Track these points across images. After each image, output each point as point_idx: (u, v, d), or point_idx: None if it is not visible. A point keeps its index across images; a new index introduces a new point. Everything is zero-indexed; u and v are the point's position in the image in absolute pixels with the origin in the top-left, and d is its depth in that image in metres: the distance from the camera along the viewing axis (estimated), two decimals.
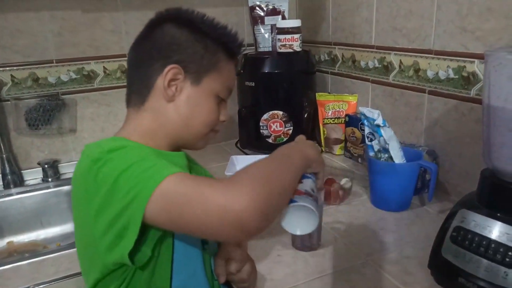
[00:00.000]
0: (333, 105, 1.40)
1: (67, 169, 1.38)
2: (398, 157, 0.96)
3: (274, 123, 1.40)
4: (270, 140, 1.42)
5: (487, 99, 0.67)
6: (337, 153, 1.42)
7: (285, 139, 1.42)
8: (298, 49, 1.37)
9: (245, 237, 0.49)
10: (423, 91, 1.11)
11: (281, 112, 1.39)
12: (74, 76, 1.34)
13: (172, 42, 0.65)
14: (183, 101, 0.66)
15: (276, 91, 1.39)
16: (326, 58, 1.49)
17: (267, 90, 1.38)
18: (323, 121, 1.43)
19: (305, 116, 1.44)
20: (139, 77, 0.67)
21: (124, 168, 0.53)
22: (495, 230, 0.67)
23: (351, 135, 1.34)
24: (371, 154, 1.02)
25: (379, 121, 0.95)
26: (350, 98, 1.37)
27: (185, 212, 0.50)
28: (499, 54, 0.64)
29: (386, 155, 0.98)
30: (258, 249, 0.89)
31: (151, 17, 0.67)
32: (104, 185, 0.53)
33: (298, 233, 0.63)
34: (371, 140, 1.01)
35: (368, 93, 1.31)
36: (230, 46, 0.69)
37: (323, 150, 1.47)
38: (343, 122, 1.39)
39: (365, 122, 1.02)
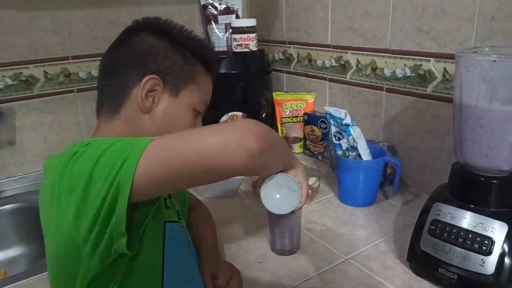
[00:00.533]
0: (290, 104, 1.41)
1: (7, 186, 1.24)
2: (365, 154, 0.99)
3: None
4: None
5: (459, 98, 0.71)
6: (296, 151, 1.43)
7: None
8: (254, 49, 1.36)
9: (250, 159, 0.47)
10: (380, 88, 1.15)
11: (240, 113, 1.36)
12: (10, 82, 1.20)
13: (150, 51, 0.61)
14: (160, 112, 0.63)
15: (233, 92, 1.36)
16: (281, 57, 1.49)
17: (224, 91, 1.35)
18: (281, 120, 1.44)
19: (263, 115, 1.44)
20: (113, 85, 0.62)
21: (104, 148, 0.48)
22: (470, 221, 0.71)
23: (310, 133, 1.36)
24: (339, 152, 1.04)
25: (348, 120, 0.97)
26: (308, 96, 1.39)
27: (184, 147, 0.48)
28: (470, 55, 0.68)
29: (354, 153, 1.01)
30: (239, 258, 0.87)
31: (128, 25, 0.63)
32: (84, 170, 0.47)
33: (279, 212, 0.62)
34: (338, 139, 1.02)
35: (326, 92, 1.34)
36: (207, 59, 0.67)
37: None
38: (301, 120, 1.40)
39: (331, 121, 1.04)
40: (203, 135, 0.50)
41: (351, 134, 0.97)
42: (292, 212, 0.71)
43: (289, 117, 1.42)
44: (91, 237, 0.47)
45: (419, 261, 0.77)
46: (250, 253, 0.88)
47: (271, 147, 0.53)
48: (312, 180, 1.09)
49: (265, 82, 1.46)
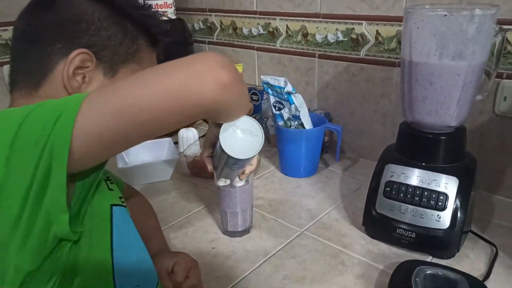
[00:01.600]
0: None
1: None
2: (308, 123, 0.96)
3: None
4: None
5: (408, 56, 0.69)
6: None
7: None
8: (173, 17, 1.24)
9: (222, 90, 0.42)
10: (312, 55, 1.12)
11: None
12: None
13: (82, 19, 0.49)
14: None
15: None
16: (202, 26, 1.39)
17: None
18: None
19: None
20: (32, 56, 0.48)
21: (27, 113, 0.37)
22: (423, 178, 0.72)
23: None
24: (280, 123, 0.99)
25: (289, 88, 0.92)
26: None
27: (140, 86, 0.40)
28: (421, 11, 0.67)
29: (296, 123, 0.97)
30: (188, 246, 0.78)
31: None
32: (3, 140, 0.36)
33: (241, 157, 0.56)
34: (279, 109, 0.98)
35: (254, 61, 1.28)
36: (154, 32, 0.56)
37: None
38: None
39: (269, 91, 0.98)
40: (164, 70, 0.42)
41: (294, 103, 0.93)
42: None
43: None
44: (21, 223, 0.36)
45: (375, 224, 0.77)
46: (200, 239, 0.80)
47: (240, 81, 0.47)
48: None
49: (187, 54, 1.35)
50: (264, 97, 1.23)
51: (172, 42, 1.26)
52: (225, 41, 1.34)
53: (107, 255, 0.50)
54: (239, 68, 1.31)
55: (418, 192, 0.71)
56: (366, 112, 1.06)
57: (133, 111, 0.39)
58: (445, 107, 0.69)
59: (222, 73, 0.42)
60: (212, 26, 1.36)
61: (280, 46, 1.19)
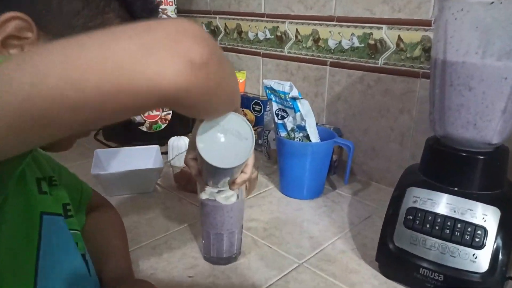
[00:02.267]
0: None
1: None
2: (314, 135, 0.83)
3: None
4: (144, 128, 1.15)
5: (442, 54, 0.57)
6: None
7: (163, 126, 1.16)
8: (173, 16, 1.13)
9: (189, 70, 0.29)
10: (324, 63, 1.00)
11: None
12: None
13: None
14: None
15: None
16: (205, 30, 1.28)
17: None
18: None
19: None
20: None
21: None
22: (456, 207, 0.58)
23: None
24: (283, 134, 0.86)
25: (295, 93, 0.79)
26: (237, 75, 1.19)
27: (75, 59, 0.27)
28: None
29: (301, 134, 0.84)
30: (160, 273, 0.64)
31: None
32: None
33: (222, 166, 0.43)
34: (282, 118, 0.85)
35: (259, 69, 1.16)
36: (132, 4, 0.44)
37: None
38: None
39: (272, 97, 0.86)
40: (110, 37, 0.29)
41: (299, 110, 0.80)
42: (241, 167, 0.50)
43: None
44: None
45: (392, 261, 0.62)
46: (175, 264, 0.66)
47: (221, 60, 0.33)
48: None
49: None
50: (267, 109, 1.11)
51: None
52: (229, 46, 1.23)
53: (29, 275, 0.36)
54: (242, 76, 1.19)
55: (448, 224, 0.57)
56: (381, 129, 0.93)
57: (54, 95, 0.26)
58: (486, 119, 0.56)
59: (193, 46, 0.30)
60: (216, 29, 1.25)
61: (288, 52, 1.07)
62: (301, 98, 0.80)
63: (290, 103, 0.81)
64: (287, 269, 0.66)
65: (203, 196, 0.63)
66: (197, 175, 0.57)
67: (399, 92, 0.88)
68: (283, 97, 0.82)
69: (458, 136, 0.59)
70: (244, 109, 1.16)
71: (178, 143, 1.03)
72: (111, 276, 0.53)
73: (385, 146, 0.94)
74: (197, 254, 0.69)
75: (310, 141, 0.83)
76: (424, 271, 0.58)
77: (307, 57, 1.03)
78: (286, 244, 0.72)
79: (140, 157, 0.96)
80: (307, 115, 0.80)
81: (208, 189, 0.63)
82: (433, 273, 0.57)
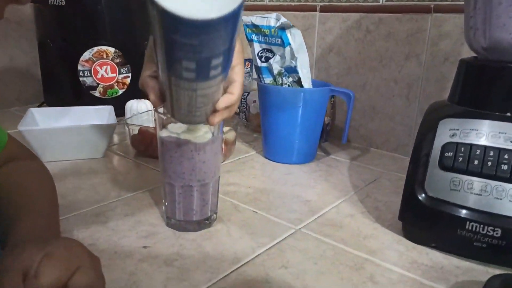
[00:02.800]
0: None
1: None
2: (307, 79, 0.66)
3: (101, 66, 0.93)
4: (96, 94, 0.95)
5: None
6: None
7: (120, 92, 0.97)
8: None
9: None
10: (312, 8, 0.85)
11: (112, 50, 0.93)
12: None
13: None
14: None
15: (102, 16, 0.92)
16: None
17: (87, 13, 0.91)
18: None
19: None
20: None
21: None
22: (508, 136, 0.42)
23: None
24: (268, 80, 0.69)
25: (283, 21, 0.63)
26: None
27: None
28: None
29: (290, 79, 0.67)
30: (103, 243, 0.45)
31: None
32: None
33: (194, 16, 0.25)
34: (266, 60, 0.68)
35: None
36: None
37: None
38: None
39: (253, 37, 0.69)
40: None
41: (289, 43, 0.63)
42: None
43: None
44: None
45: (424, 217, 0.46)
46: (125, 234, 0.47)
47: None
48: (226, 130, 0.72)
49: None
50: (245, 69, 0.94)
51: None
52: None
53: None
54: None
55: (506, 157, 0.41)
56: (383, 82, 0.78)
57: None
58: None
59: None
60: None
61: (270, 1, 0.92)
62: (292, 26, 0.63)
63: (277, 38, 0.64)
64: (280, 236, 0.48)
65: (164, 132, 0.45)
66: (158, 99, 0.40)
67: (405, 35, 0.74)
68: (267, 33, 0.66)
69: (509, 43, 0.43)
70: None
71: (138, 106, 0.84)
72: (25, 236, 0.35)
73: (388, 103, 0.79)
74: (157, 220, 0.50)
75: (302, 86, 0.66)
76: (471, 226, 0.42)
77: (293, 3, 0.88)
78: (276, 208, 0.55)
79: (88, 118, 0.77)
80: (299, 50, 0.64)
81: (172, 125, 0.45)
82: (485, 227, 0.41)
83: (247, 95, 0.89)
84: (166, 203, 0.48)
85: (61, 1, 0.87)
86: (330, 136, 0.86)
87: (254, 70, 0.76)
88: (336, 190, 0.62)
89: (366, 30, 0.78)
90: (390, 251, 0.46)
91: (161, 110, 0.45)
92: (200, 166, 0.46)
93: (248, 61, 0.95)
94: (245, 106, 0.90)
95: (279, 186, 0.62)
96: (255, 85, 0.91)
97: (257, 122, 0.88)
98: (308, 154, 0.73)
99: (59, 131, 0.66)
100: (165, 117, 0.45)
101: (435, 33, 0.71)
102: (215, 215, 0.50)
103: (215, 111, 0.39)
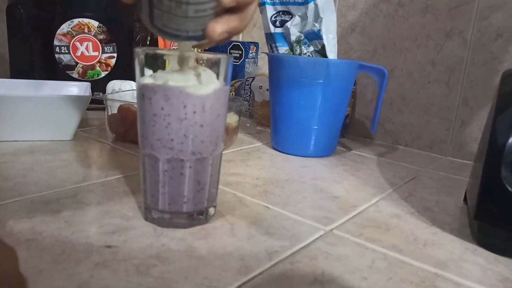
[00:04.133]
0: None
1: None
2: (333, 46, 0.53)
3: (82, 42, 0.80)
4: (74, 74, 0.81)
5: None
6: None
7: (103, 74, 0.83)
8: None
9: None
10: None
11: (95, 23, 0.80)
12: None
13: None
14: None
15: None
16: None
17: None
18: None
19: (137, 40, 0.90)
20: None
21: None
22: None
23: None
24: (283, 49, 0.56)
25: None
26: None
27: None
28: None
29: (311, 48, 0.54)
30: (45, 238, 0.30)
31: None
32: None
33: None
34: (282, 24, 0.55)
35: None
36: None
37: None
38: (199, 50, 0.90)
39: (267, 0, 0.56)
40: None
41: (313, 0, 0.50)
42: None
43: None
44: None
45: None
46: (83, 227, 0.32)
47: None
48: (229, 116, 0.58)
49: None
50: (250, 54, 0.81)
51: None
52: None
53: None
54: None
55: None
56: (416, 66, 0.66)
57: None
58: None
59: None
60: None
61: None
62: None
63: None
64: (306, 238, 0.34)
65: (146, 79, 0.31)
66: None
67: (447, 7, 0.61)
68: None
69: None
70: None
71: (122, 85, 0.70)
72: None
73: (422, 91, 0.66)
74: (131, 212, 0.36)
75: (325, 57, 0.53)
76: None
77: None
78: (295, 204, 0.41)
79: (60, 93, 0.63)
80: (326, 8, 0.51)
81: (159, 72, 0.32)
82: None
83: (252, 80, 0.76)
84: (145, 187, 0.34)
85: None
86: (348, 130, 0.73)
87: (267, 30, 0.63)
88: (368, 186, 0.48)
89: (397, 3, 0.66)
90: (466, 264, 0.32)
91: (141, 49, 0.32)
92: (196, 131, 0.31)
93: (254, 44, 0.83)
94: (249, 93, 0.76)
95: (295, 179, 0.48)
96: (261, 70, 0.78)
97: (263, 112, 0.75)
98: (328, 146, 0.59)
99: (16, 100, 0.51)
100: (150, 52, 0.31)
101: (484, 5, 0.58)
102: (213, 208, 0.36)
103: (218, 9, 0.27)
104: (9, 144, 0.52)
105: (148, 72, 0.32)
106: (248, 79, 0.76)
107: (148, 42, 0.92)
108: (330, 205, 0.41)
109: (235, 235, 0.33)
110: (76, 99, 0.54)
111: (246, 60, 0.82)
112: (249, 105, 0.77)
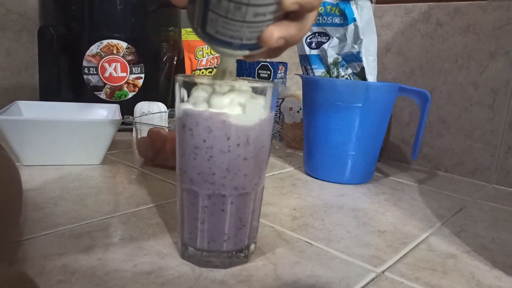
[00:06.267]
0: (209, 48, 0.89)
1: None
2: (373, 69, 0.51)
3: (110, 63, 0.79)
4: (102, 95, 0.80)
5: None
6: None
7: (130, 95, 0.82)
8: None
9: None
10: None
11: (124, 44, 0.80)
12: None
13: None
14: None
15: (114, 4, 0.79)
16: None
17: (95, 4, 0.78)
18: (194, 73, 0.90)
19: (164, 68, 0.89)
20: None
21: None
22: None
23: None
24: (319, 72, 0.53)
25: None
26: None
27: None
28: None
29: (349, 71, 0.51)
30: (78, 280, 0.28)
31: None
32: None
33: None
34: (318, 46, 0.53)
35: None
36: None
37: None
38: None
39: None
40: None
41: (354, 19, 0.48)
42: None
43: (206, 69, 0.90)
44: None
45: None
46: (117, 266, 0.30)
47: None
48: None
49: (170, 10, 0.93)
50: (279, 74, 0.79)
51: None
52: None
53: None
54: None
55: None
56: (458, 88, 0.62)
57: None
58: None
59: None
60: None
61: None
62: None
63: (335, 17, 0.49)
64: (357, 282, 0.31)
65: (187, 104, 0.29)
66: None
67: (491, 26, 0.58)
68: (321, 11, 0.51)
69: None
70: (245, 78, 0.84)
71: (150, 107, 0.69)
72: None
73: (464, 114, 0.62)
74: (167, 248, 0.33)
75: (365, 80, 0.51)
76: None
77: None
78: (339, 240, 0.38)
79: (88, 115, 0.62)
80: (366, 29, 0.48)
81: (198, 92, 0.29)
82: None
83: (281, 101, 0.74)
84: (182, 223, 0.32)
85: None
86: (383, 155, 0.69)
87: (301, 51, 0.61)
88: (414, 219, 0.44)
89: (436, 23, 0.63)
90: None
91: (182, 76, 0.30)
92: (240, 165, 0.29)
93: (282, 64, 0.81)
94: (278, 115, 0.74)
95: (335, 210, 0.45)
96: (290, 91, 0.76)
97: (292, 134, 0.72)
98: (365, 173, 0.56)
99: (46, 124, 0.50)
100: (187, 79, 0.29)
101: None
102: (253, 245, 0.33)
103: (278, 14, 0.25)
104: (37, 169, 0.51)
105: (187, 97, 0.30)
106: (278, 100, 0.74)
107: (175, 62, 0.91)
108: (377, 241, 0.38)
109: (280, 277, 0.30)
110: (106, 123, 0.53)
111: (275, 80, 0.80)
112: (279, 133, 0.74)
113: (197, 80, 0.30)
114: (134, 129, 0.59)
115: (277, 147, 0.73)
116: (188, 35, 0.89)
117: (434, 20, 0.63)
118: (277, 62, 0.80)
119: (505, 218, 0.47)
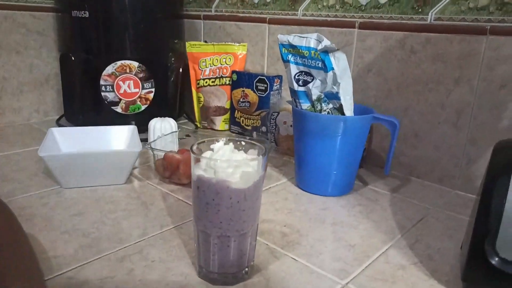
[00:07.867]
0: (211, 59, 0.98)
1: None
2: (349, 106, 0.61)
3: (124, 81, 0.89)
4: (118, 109, 0.91)
5: None
6: (220, 128, 1.01)
7: (143, 108, 0.93)
8: None
9: None
10: (350, 25, 0.79)
11: (136, 64, 0.89)
12: None
13: None
14: None
15: (126, 30, 0.88)
16: None
17: (111, 26, 0.87)
18: (198, 83, 1.00)
19: (171, 77, 0.98)
20: None
21: None
22: None
23: (241, 99, 0.95)
24: (305, 106, 0.64)
25: (326, 43, 0.57)
26: (236, 48, 0.97)
27: None
28: None
29: (330, 106, 0.62)
30: None
31: None
32: None
33: None
34: (304, 84, 0.62)
35: (264, 40, 0.94)
36: None
37: (199, 125, 1.03)
38: (228, 83, 0.98)
39: (290, 58, 0.63)
40: None
41: (332, 68, 0.58)
42: None
43: (209, 79, 0.99)
44: None
45: (497, 284, 0.40)
46: (156, 285, 0.42)
47: None
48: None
49: (176, 26, 1.01)
50: (275, 86, 0.89)
51: (156, 13, 0.92)
52: (227, 14, 1.01)
53: None
54: (242, 49, 0.97)
55: None
56: (428, 107, 0.72)
57: None
58: None
59: None
60: None
61: (303, 15, 0.86)
62: (338, 50, 0.58)
63: (318, 62, 0.59)
64: None
65: (200, 171, 0.40)
66: None
67: (456, 56, 0.67)
68: (307, 55, 0.60)
69: None
70: (245, 89, 0.93)
71: (162, 125, 0.80)
72: None
73: (433, 130, 0.72)
74: (187, 269, 0.45)
75: (343, 114, 0.61)
76: None
77: (328, 18, 0.82)
78: (317, 255, 0.49)
79: (111, 139, 0.73)
80: (343, 75, 0.58)
81: (205, 159, 0.40)
82: None
83: (277, 115, 0.84)
84: (199, 252, 0.43)
85: (84, 13, 0.83)
86: (366, 162, 0.80)
87: (291, 85, 0.71)
88: (380, 232, 0.56)
89: (410, 50, 0.72)
90: None
91: (194, 148, 0.41)
92: (240, 215, 0.40)
93: (278, 78, 0.90)
94: (274, 127, 0.84)
95: (317, 225, 0.57)
96: (284, 105, 0.86)
97: (287, 144, 0.83)
98: (345, 186, 0.67)
99: (83, 156, 0.61)
100: (197, 155, 0.40)
101: (491, 57, 0.64)
102: (252, 263, 0.45)
103: None
104: (76, 192, 0.63)
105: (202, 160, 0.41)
106: (273, 114, 0.84)
107: (181, 70, 1.01)
108: (347, 255, 0.50)
109: None
110: (129, 153, 0.64)
111: (271, 92, 0.89)
112: (274, 137, 0.85)
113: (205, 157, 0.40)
114: (151, 151, 0.70)
115: (273, 156, 0.83)
116: (192, 48, 0.98)
117: (409, 47, 0.72)
118: (272, 76, 0.89)
119: (455, 227, 0.58)
